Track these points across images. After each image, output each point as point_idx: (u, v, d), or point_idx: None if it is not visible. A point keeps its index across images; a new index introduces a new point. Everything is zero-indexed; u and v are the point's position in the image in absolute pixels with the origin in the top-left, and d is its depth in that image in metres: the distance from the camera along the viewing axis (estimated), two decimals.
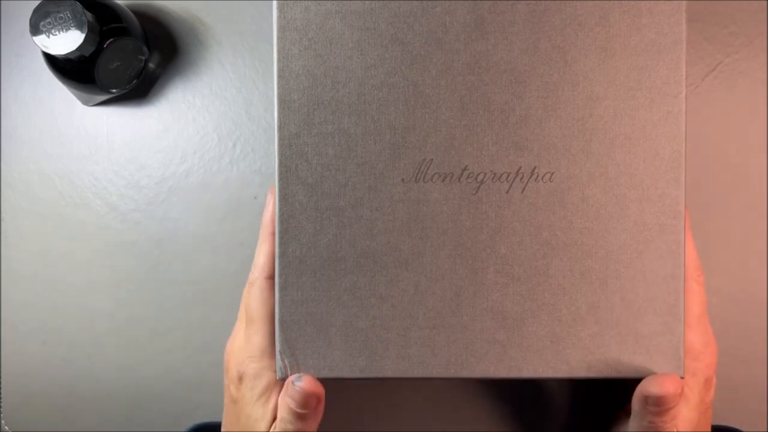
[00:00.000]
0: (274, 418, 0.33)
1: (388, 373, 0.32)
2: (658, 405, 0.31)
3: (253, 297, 0.34)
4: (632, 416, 0.33)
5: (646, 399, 0.31)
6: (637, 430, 0.32)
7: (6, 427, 0.44)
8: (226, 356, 0.36)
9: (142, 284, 0.43)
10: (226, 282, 0.43)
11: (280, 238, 0.32)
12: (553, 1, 0.32)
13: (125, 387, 0.44)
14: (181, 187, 0.44)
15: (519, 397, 0.42)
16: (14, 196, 0.44)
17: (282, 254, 0.32)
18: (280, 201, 0.32)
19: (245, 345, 0.34)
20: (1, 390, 0.44)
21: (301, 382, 0.32)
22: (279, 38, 0.32)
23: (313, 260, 0.32)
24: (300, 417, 0.32)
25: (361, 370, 0.32)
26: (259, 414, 0.33)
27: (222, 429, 0.36)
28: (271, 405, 0.33)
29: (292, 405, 0.32)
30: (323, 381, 0.32)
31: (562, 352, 0.32)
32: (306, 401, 0.32)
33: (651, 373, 0.32)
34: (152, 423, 0.44)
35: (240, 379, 0.34)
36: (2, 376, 0.44)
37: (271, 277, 0.34)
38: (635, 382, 0.32)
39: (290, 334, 0.32)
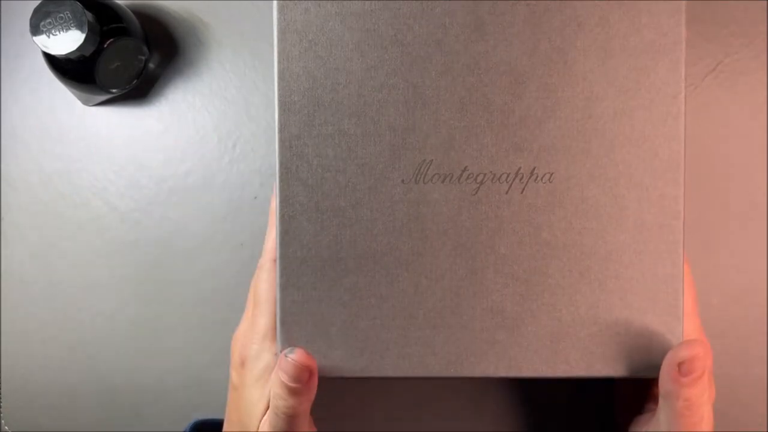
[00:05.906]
0: None
1: (388, 373, 0.32)
2: (691, 372, 0.29)
3: (261, 279, 0.34)
4: (661, 404, 0.31)
5: (679, 367, 0.29)
6: (669, 417, 0.30)
7: (6, 427, 0.44)
8: (232, 345, 0.35)
9: (142, 284, 0.43)
10: (226, 282, 0.43)
11: (281, 238, 0.32)
12: (553, 1, 0.32)
13: (125, 387, 0.44)
14: (181, 187, 0.44)
15: (519, 396, 0.42)
16: (14, 196, 0.44)
17: (283, 255, 0.32)
18: (280, 202, 0.32)
19: (250, 329, 0.34)
20: (1, 390, 0.44)
21: (294, 354, 0.31)
22: (279, 40, 0.32)
23: (313, 261, 0.32)
24: (293, 392, 0.31)
25: (361, 370, 0.32)
26: (257, 396, 0.32)
27: (224, 426, 0.36)
28: (269, 386, 0.32)
29: (284, 378, 0.31)
30: (323, 381, 0.32)
31: (562, 352, 0.32)
32: (299, 374, 0.31)
33: (651, 373, 0.32)
34: (152, 423, 0.44)
35: (242, 363, 0.33)
36: (2, 376, 0.44)
37: None
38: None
39: (290, 335, 0.32)
